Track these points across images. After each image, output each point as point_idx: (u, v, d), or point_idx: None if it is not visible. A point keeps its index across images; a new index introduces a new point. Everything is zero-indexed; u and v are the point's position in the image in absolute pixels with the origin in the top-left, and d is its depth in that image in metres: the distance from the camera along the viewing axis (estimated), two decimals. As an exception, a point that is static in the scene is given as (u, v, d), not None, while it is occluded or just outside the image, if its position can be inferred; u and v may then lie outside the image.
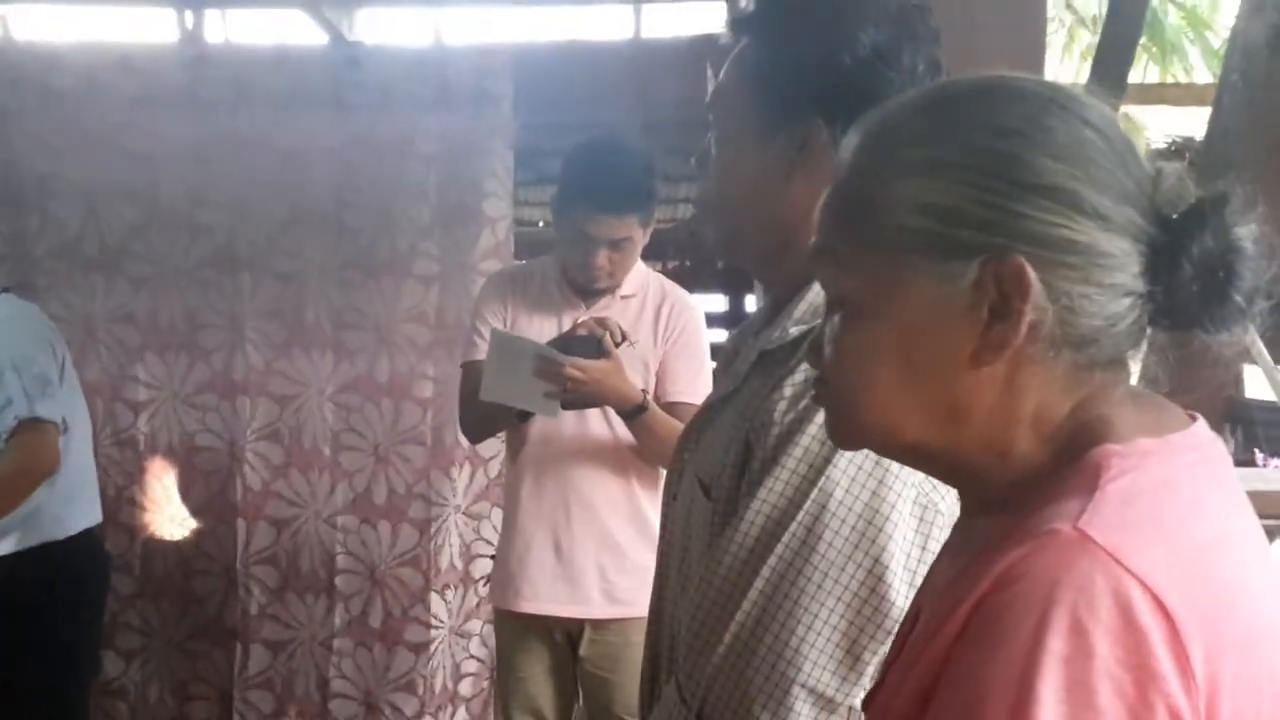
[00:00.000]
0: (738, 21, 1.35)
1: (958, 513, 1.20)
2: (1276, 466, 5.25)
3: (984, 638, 0.75)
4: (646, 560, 2.69)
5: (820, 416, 1.17)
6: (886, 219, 0.84)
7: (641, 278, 2.77)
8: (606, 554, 2.68)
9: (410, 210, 3.60)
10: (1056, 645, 0.72)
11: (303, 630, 3.69)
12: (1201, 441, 0.86)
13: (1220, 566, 0.78)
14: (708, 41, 4.99)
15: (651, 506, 2.71)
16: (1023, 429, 0.84)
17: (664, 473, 2.74)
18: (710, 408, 1.40)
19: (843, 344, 0.88)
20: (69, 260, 3.67)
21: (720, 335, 4.45)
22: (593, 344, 2.52)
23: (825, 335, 0.91)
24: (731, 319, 4.77)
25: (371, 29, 4.77)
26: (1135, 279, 0.82)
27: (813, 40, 1.27)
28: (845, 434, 0.93)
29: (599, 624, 2.71)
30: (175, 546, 3.73)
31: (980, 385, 0.84)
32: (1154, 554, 0.75)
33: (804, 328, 1.27)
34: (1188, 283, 0.82)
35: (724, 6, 4.52)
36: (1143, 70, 9.38)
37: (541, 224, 5.53)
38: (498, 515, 3.65)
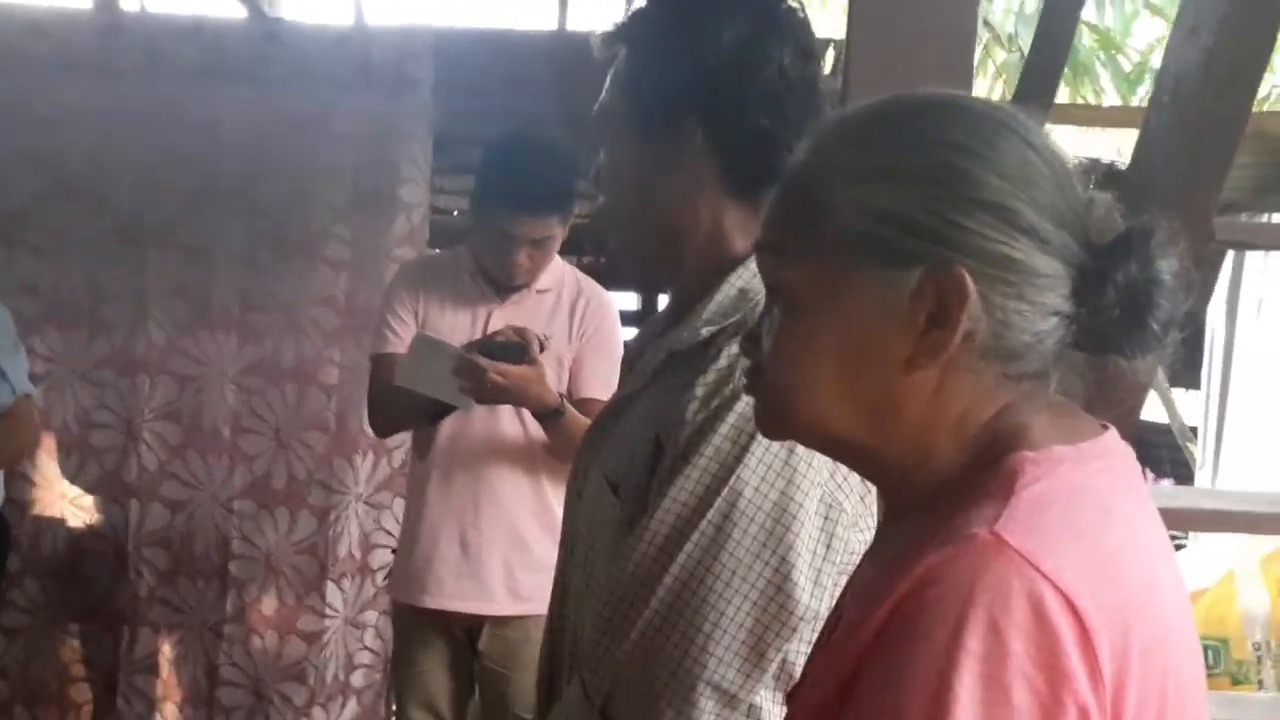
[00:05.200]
0: (608, 35, 1.37)
1: (861, 513, 1.22)
2: (1165, 486, 5.41)
3: (903, 637, 0.78)
4: (552, 557, 2.68)
5: (732, 416, 1.22)
6: (835, 220, 0.87)
7: (558, 272, 2.75)
8: (513, 551, 2.67)
9: (324, 192, 3.55)
10: (973, 645, 0.75)
11: (193, 615, 3.61)
12: (1112, 449, 0.90)
13: (1128, 570, 0.82)
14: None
15: (559, 504, 2.67)
16: (945, 433, 0.88)
17: None
18: (615, 405, 1.42)
19: (782, 336, 0.90)
20: (-34, 226, 3.55)
21: (634, 333, 4.45)
22: (516, 350, 2.50)
23: (763, 327, 0.93)
24: (645, 316, 4.76)
25: (291, 4, 4.67)
26: (1063, 300, 0.85)
27: (677, 43, 1.30)
28: (775, 424, 0.95)
29: (500, 620, 2.70)
30: (65, 524, 3.63)
31: (910, 388, 0.87)
32: (1066, 557, 0.78)
33: (714, 328, 1.28)
34: (1110, 308, 0.85)
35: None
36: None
37: (456, 213, 5.48)
38: (399, 505, 3.62)
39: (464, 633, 2.74)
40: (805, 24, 1.32)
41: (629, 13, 1.38)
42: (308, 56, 3.55)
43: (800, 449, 1.21)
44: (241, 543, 3.58)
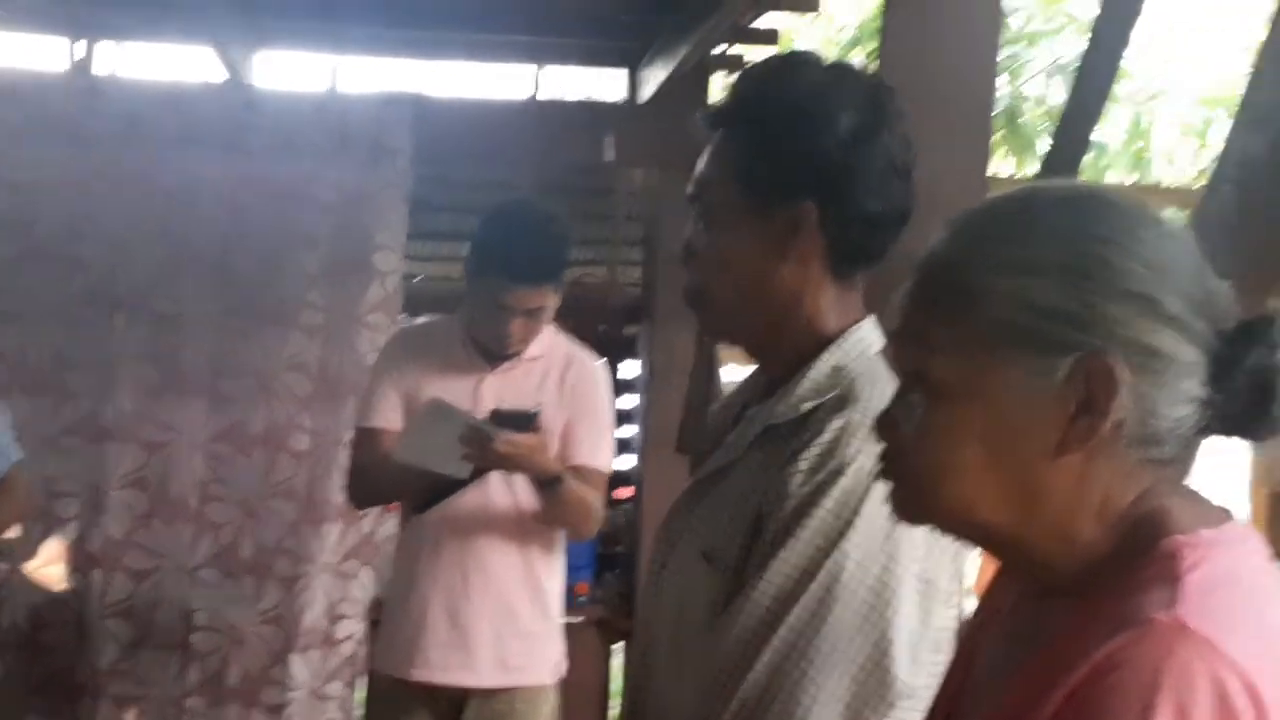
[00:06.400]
0: (715, 114, 1.39)
1: (953, 590, 1.24)
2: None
3: None
4: (540, 628, 2.71)
5: (836, 491, 1.24)
6: (987, 311, 0.89)
7: (548, 340, 2.74)
8: (502, 622, 2.65)
9: (299, 258, 3.55)
10: None
11: (155, 688, 3.55)
12: (1248, 534, 0.91)
13: None
14: (607, 107, 5.03)
15: (548, 575, 2.72)
16: (1089, 517, 0.89)
17: (562, 541, 2.75)
18: (705, 480, 1.42)
19: (929, 423, 0.91)
20: (-65, 291, 3.51)
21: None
22: (524, 418, 2.51)
23: (899, 412, 0.95)
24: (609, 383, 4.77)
25: (268, 71, 4.68)
26: (1200, 386, 0.88)
27: (795, 127, 1.33)
28: (917, 509, 0.96)
29: (487, 692, 2.67)
30: (26, 596, 3.56)
31: (1057, 474, 0.89)
32: (1241, 641, 0.79)
33: (814, 403, 1.31)
34: (1240, 393, 0.88)
35: (625, 73, 4.57)
36: (1000, 162, 9.77)
37: (420, 278, 5.48)
38: (366, 574, 3.58)
39: (449, 705, 2.71)
40: (905, 115, 1.36)
41: (735, 93, 1.39)
42: (286, 124, 3.57)
43: (901, 524, 1.22)
44: (205, 613, 3.52)
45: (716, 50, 3.97)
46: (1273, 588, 0.87)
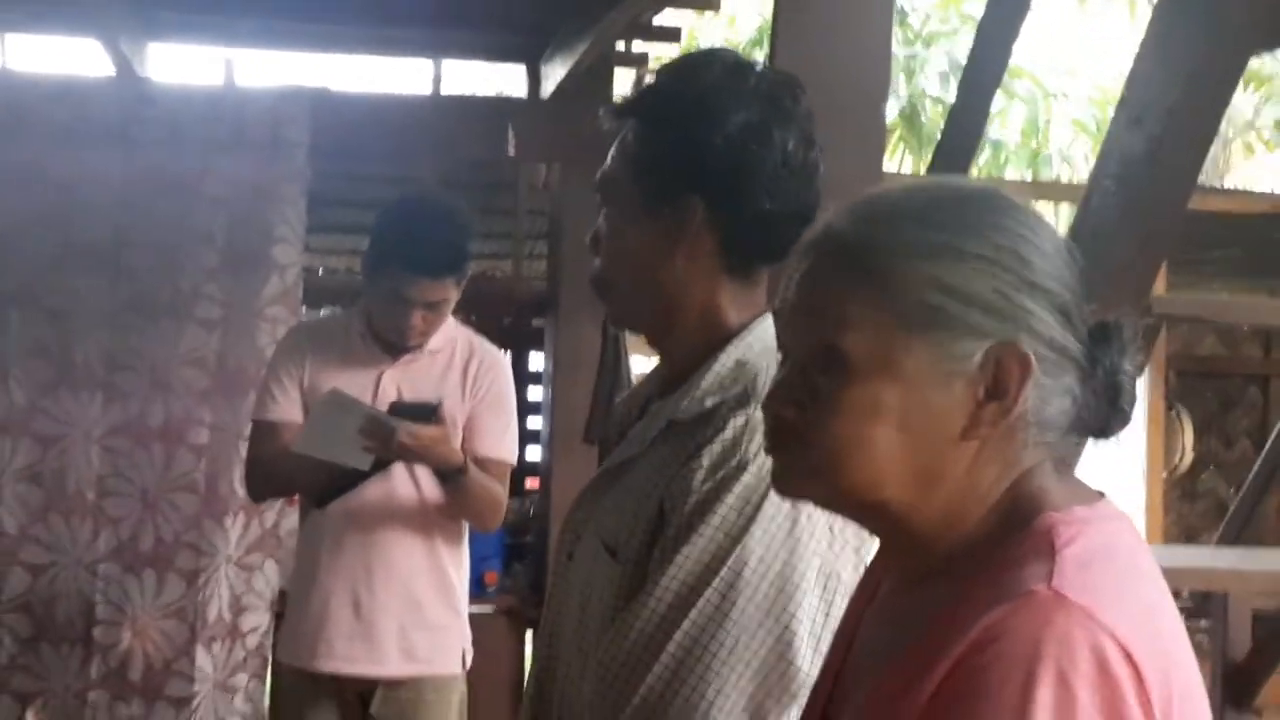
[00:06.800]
0: (619, 107, 1.41)
1: (856, 581, 1.22)
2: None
3: (970, 693, 0.81)
4: (445, 619, 2.72)
5: (738, 487, 1.25)
6: (907, 293, 0.91)
7: (449, 332, 2.75)
8: (407, 612, 2.65)
9: (196, 252, 3.53)
10: (1044, 697, 0.79)
11: (55, 681, 3.50)
12: (1119, 511, 0.95)
13: (1163, 623, 0.88)
14: (508, 102, 5.07)
15: (453, 566, 2.72)
16: (976, 498, 0.92)
17: (466, 532, 2.76)
18: (610, 472, 1.43)
19: (838, 401, 0.92)
20: None
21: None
22: (425, 410, 2.53)
23: (797, 388, 0.94)
24: (514, 376, 4.80)
25: (162, 65, 4.64)
26: (1075, 382, 0.93)
27: (686, 122, 1.34)
28: (813, 483, 0.96)
29: (394, 682, 2.67)
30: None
31: (959, 455, 0.91)
32: (1117, 611, 0.83)
33: (717, 399, 1.32)
34: (1097, 391, 0.93)
35: (523, 69, 4.60)
36: (899, 161, 9.97)
37: (321, 271, 5.46)
38: (271, 567, 3.57)
39: (356, 696, 2.71)
40: (809, 114, 1.37)
41: (641, 87, 1.42)
42: (180, 117, 3.55)
43: (803, 519, 1.25)
44: (106, 607, 3.49)
45: (620, 47, 4.02)
46: (1144, 563, 0.91)
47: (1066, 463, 0.96)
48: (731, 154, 1.32)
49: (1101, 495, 0.95)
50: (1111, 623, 0.81)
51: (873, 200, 0.97)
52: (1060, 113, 10.67)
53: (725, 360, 1.34)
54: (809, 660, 1.23)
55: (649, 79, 1.45)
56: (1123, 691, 0.80)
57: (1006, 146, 10.42)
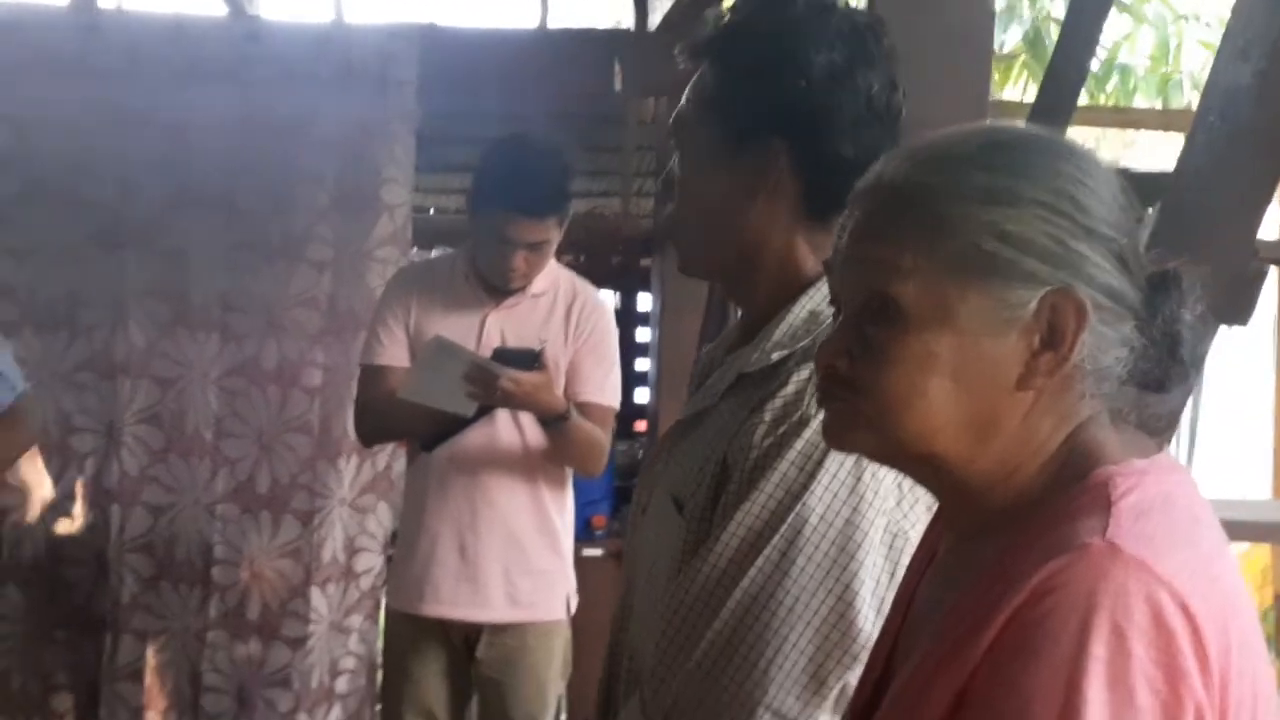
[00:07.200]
0: (695, 46, 1.36)
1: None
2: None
3: (1025, 646, 0.81)
4: (549, 564, 2.72)
5: (800, 442, 1.22)
6: (962, 238, 0.89)
7: (553, 275, 2.74)
8: (511, 557, 2.67)
9: (306, 192, 3.52)
10: (1098, 649, 0.78)
11: (175, 621, 3.58)
12: (1178, 463, 0.94)
13: (1222, 573, 0.87)
14: (616, 35, 4.97)
15: (556, 511, 2.72)
16: (1031, 451, 0.91)
17: (570, 477, 2.75)
18: (683, 423, 1.41)
19: (894, 352, 0.90)
20: (-59, 230, 3.50)
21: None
22: (528, 356, 2.52)
23: (851, 340, 0.92)
24: (623, 317, 4.75)
25: (272, 4, 4.64)
26: (1132, 330, 0.90)
27: (768, 64, 1.29)
28: (869, 436, 0.94)
29: (498, 627, 2.69)
30: (45, 531, 3.58)
31: (1015, 406, 0.90)
32: (1174, 562, 0.82)
33: (784, 352, 1.29)
34: (1155, 341, 0.91)
35: (630, 1, 4.50)
36: (1022, 89, 9.59)
37: (433, 211, 5.45)
38: (384, 509, 3.59)
39: (462, 640, 2.73)
40: (892, 52, 1.32)
41: (719, 27, 1.36)
42: (289, 56, 3.52)
43: (867, 476, 1.22)
44: (224, 547, 3.54)
45: (727, -25, 3.91)
46: (1202, 513, 0.90)
47: (1123, 414, 0.94)
48: (815, 96, 1.28)
49: (1159, 447, 0.94)
50: (1168, 574, 0.81)
51: (926, 147, 0.95)
52: (1191, 36, 10.20)
53: (799, 311, 1.31)
54: (871, 622, 1.21)
55: (727, 15, 1.37)
56: (1179, 644, 0.79)
57: (1135, 73, 9.98)
